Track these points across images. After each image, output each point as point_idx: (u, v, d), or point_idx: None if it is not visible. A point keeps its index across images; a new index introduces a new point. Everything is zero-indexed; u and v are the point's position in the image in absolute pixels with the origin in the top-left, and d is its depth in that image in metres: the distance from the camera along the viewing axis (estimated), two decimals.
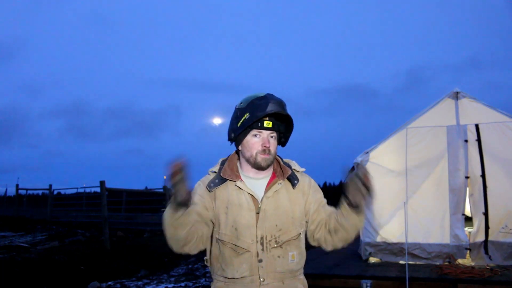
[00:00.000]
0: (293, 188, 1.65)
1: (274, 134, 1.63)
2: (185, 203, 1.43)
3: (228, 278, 1.58)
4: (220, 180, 1.62)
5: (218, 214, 1.60)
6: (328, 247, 1.68)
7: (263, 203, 1.59)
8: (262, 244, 1.57)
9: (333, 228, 1.63)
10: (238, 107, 1.62)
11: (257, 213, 1.59)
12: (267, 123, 1.58)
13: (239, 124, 1.58)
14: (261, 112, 1.54)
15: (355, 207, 1.59)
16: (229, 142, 1.66)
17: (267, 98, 1.57)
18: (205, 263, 1.71)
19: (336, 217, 1.63)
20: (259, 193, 1.62)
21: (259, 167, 1.60)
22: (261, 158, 1.59)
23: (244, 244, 1.57)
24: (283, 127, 1.65)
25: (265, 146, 1.58)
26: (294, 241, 1.63)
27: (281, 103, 1.58)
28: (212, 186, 1.61)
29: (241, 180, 1.62)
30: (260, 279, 1.56)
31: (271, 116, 1.58)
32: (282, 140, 1.70)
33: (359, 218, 1.61)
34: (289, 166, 1.70)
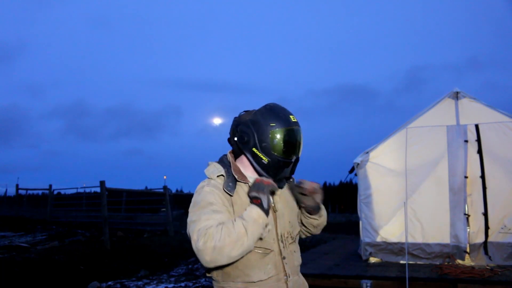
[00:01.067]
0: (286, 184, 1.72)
1: None
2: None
3: (254, 282, 1.53)
4: (233, 183, 1.57)
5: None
6: (309, 234, 1.85)
7: (276, 202, 1.63)
8: (282, 241, 1.61)
9: (304, 224, 1.78)
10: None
11: (274, 212, 1.61)
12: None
13: (262, 137, 1.60)
14: (288, 138, 1.65)
15: (308, 212, 1.71)
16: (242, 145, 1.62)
17: (290, 119, 1.68)
18: (208, 274, 1.63)
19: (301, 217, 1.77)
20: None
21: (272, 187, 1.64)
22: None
23: (267, 244, 1.56)
24: None
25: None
26: (297, 235, 1.74)
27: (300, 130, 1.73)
28: (230, 190, 1.55)
29: (249, 182, 1.60)
30: (286, 276, 1.58)
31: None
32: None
33: (318, 217, 1.73)
34: None
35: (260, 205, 1.44)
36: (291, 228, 1.66)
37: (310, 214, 1.70)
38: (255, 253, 1.53)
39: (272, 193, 1.53)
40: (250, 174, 1.63)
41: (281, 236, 1.60)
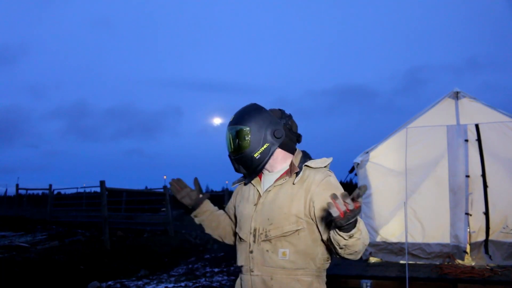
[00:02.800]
0: (293, 183, 1.62)
1: None
2: (193, 208, 1.86)
3: (238, 267, 1.72)
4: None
5: (238, 207, 1.79)
6: (338, 256, 1.53)
7: (262, 197, 1.67)
8: (254, 236, 1.64)
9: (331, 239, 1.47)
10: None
11: (255, 205, 1.68)
12: None
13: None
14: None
15: (337, 227, 1.34)
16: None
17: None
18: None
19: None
20: (264, 188, 1.71)
21: None
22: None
23: (243, 234, 1.69)
24: None
25: None
26: (286, 238, 1.57)
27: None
28: (235, 181, 1.87)
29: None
30: (250, 269, 1.63)
31: None
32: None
33: (346, 237, 1.36)
34: (305, 163, 1.66)
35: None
36: (269, 226, 1.59)
37: (339, 229, 1.34)
38: (237, 238, 1.75)
39: (176, 193, 1.85)
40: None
41: (255, 230, 1.64)
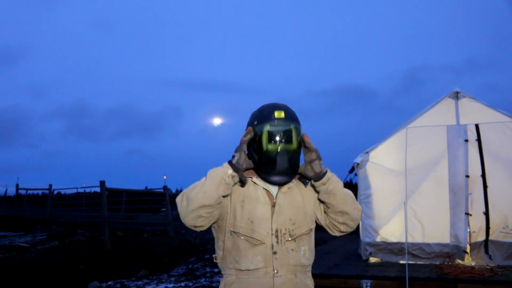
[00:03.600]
0: (305, 187, 1.71)
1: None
2: (240, 169, 1.58)
3: (242, 270, 1.62)
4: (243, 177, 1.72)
5: (234, 207, 1.66)
6: (338, 228, 1.71)
7: (278, 198, 1.67)
8: (277, 237, 1.63)
9: (324, 208, 1.71)
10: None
11: (273, 207, 1.66)
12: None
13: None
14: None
15: (310, 179, 1.66)
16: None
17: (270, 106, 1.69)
18: (214, 260, 1.76)
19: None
20: (274, 189, 1.69)
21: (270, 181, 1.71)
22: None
23: (259, 236, 1.63)
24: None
25: None
26: (305, 236, 1.69)
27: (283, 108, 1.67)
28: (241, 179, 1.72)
29: (257, 176, 1.69)
30: (274, 270, 1.61)
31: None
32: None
33: (325, 188, 1.63)
34: None
35: (230, 161, 1.58)
36: (292, 226, 1.66)
37: (316, 185, 1.63)
38: (243, 241, 1.63)
39: (247, 133, 1.60)
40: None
41: (277, 231, 1.64)
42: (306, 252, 1.68)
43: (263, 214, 1.64)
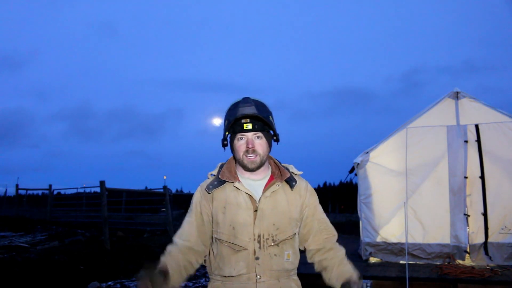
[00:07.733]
0: (291, 190, 1.68)
1: (260, 134, 1.63)
2: None
3: (225, 277, 1.62)
4: (218, 182, 1.67)
5: (216, 214, 1.65)
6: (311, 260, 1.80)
7: (261, 202, 1.63)
8: (259, 242, 1.61)
9: (319, 265, 1.80)
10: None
11: (255, 211, 1.62)
12: (246, 126, 1.60)
13: (224, 131, 1.66)
14: (233, 116, 1.59)
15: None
16: (223, 149, 1.71)
17: (239, 102, 1.63)
18: (203, 263, 1.74)
19: (323, 257, 1.77)
20: (257, 193, 1.65)
21: (247, 169, 1.64)
22: (247, 160, 1.62)
23: (241, 242, 1.61)
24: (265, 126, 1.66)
25: (248, 147, 1.61)
26: (289, 241, 1.67)
27: (254, 104, 1.60)
28: (210, 188, 1.66)
29: (239, 181, 1.65)
30: (256, 276, 1.60)
31: (251, 118, 1.60)
32: (274, 138, 1.70)
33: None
34: (287, 169, 1.73)
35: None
36: (276, 231, 1.62)
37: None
38: (226, 247, 1.63)
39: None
40: (245, 172, 1.68)
41: (259, 236, 1.61)
42: (290, 256, 1.66)
43: (244, 220, 1.61)
